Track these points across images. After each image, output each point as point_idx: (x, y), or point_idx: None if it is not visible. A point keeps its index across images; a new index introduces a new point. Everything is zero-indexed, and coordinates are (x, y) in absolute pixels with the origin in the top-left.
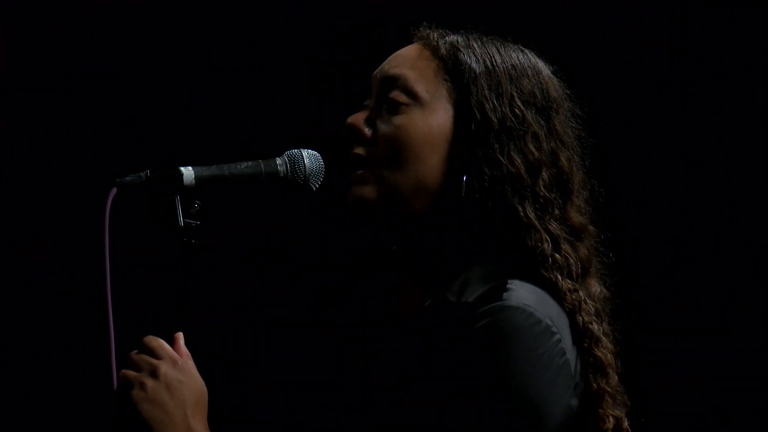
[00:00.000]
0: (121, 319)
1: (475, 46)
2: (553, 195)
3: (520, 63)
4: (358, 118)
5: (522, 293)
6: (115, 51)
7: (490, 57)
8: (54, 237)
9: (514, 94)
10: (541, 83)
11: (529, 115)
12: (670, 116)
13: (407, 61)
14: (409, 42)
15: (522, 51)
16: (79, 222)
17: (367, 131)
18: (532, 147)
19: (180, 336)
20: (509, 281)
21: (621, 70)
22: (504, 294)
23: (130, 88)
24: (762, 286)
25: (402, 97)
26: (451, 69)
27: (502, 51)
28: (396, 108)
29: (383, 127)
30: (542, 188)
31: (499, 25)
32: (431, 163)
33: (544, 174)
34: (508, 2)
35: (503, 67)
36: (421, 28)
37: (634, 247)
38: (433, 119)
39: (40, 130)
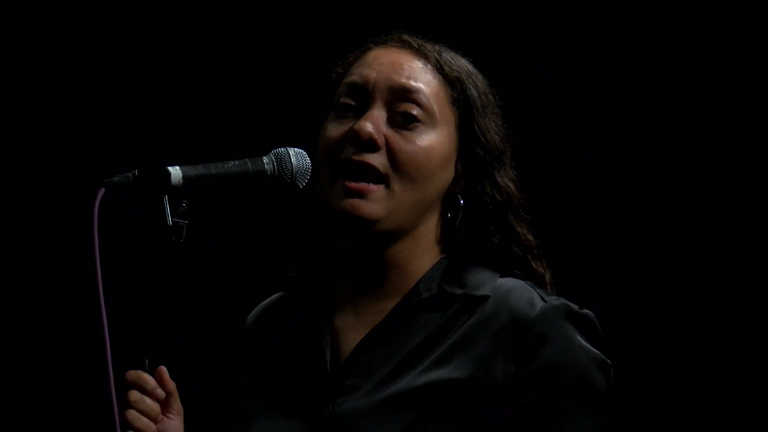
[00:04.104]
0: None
1: (463, 66)
2: (527, 216)
3: (486, 82)
4: (375, 128)
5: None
6: (114, 51)
7: (474, 80)
8: (42, 238)
9: (494, 117)
10: (496, 99)
11: (506, 137)
12: (670, 116)
13: (418, 74)
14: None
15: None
16: (67, 223)
17: (380, 142)
18: (511, 171)
19: (163, 369)
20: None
21: (621, 70)
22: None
23: (119, 89)
24: (762, 286)
25: (420, 114)
26: (457, 97)
27: (475, 70)
28: (413, 124)
29: (402, 144)
30: (525, 209)
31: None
32: (434, 184)
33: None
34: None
35: (483, 91)
36: (405, 36)
37: (633, 247)
38: (445, 141)
39: (27, 131)
